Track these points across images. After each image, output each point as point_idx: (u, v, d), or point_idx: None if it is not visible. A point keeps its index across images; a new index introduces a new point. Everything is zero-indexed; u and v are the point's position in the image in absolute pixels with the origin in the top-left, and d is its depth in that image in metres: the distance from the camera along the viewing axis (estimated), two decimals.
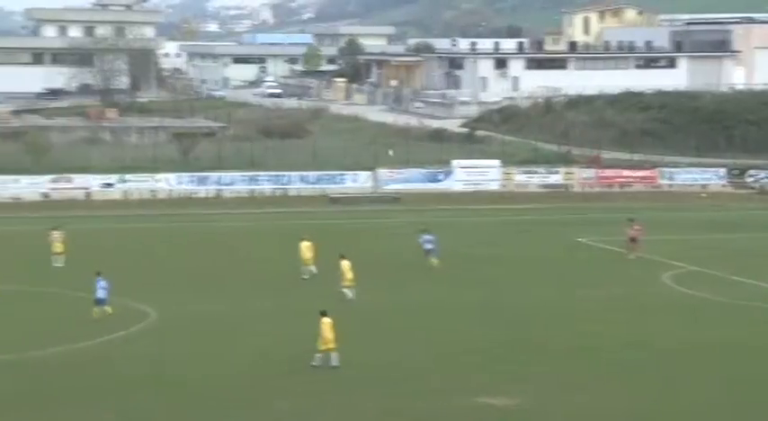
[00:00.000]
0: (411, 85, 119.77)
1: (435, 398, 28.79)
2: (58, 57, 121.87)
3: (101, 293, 36.44)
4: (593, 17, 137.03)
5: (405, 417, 27.69)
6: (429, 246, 45.90)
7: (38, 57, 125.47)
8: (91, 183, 66.98)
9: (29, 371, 31.20)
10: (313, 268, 43.06)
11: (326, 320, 31.19)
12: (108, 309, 36.54)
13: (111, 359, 32.35)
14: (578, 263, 48.68)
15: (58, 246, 45.66)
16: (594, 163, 76.14)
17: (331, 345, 30.96)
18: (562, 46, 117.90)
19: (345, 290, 39.17)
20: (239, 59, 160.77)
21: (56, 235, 46.12)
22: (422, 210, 63.99)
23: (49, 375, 30.80)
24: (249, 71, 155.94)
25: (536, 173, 73.79)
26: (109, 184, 67.15)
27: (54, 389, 29.54)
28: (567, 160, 77.60)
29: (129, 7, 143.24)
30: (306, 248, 43.34)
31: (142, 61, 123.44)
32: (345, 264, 39.43)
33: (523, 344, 34.29)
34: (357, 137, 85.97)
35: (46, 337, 34.50)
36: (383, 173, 71.01)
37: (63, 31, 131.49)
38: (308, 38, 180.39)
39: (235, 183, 68.86)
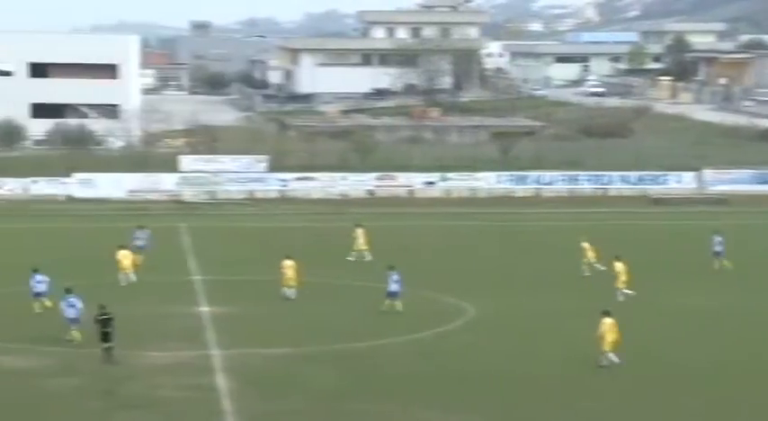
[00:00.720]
0: (741, 83, 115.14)
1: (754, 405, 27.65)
2: (386, 57, 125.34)
3: (393, 286, 37.42)
4: None
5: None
6: (718, 249, 45.05)
7: (366, 58, 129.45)
8: (413, 182, 68.40)
9: (345, 362, 32.15)
10: (591, 268, 43.35)
11: (607, 320, 31.02)
12: (398, 303, 37.29)
13: (431, 353, 33.00)
14: None
15: (359, 243, 47.18)
16: None
17: (608, 347, 30.65)
18: None
19: (626, 290, 39.06)
20: (562, 58, 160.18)
21: (359, 232, 47.56)
22: (750, 212, 61.26)
23: (366, 368, 31.63)
24: (571, 70, 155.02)
25: None
26: (431, 183, 68.33)
27: (372, 382, 30.30)
28: None
29: (454, 8, 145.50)
30: (587, 249, 43.92)
31: (465, 61, 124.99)
32: (619, 265, 39.44)
33: None
34: (682, 136, 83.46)
35: (360, 330, 35.47)
36: (709, 173, 68.51)
37: (391, 32, 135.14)
38: (632, 36, 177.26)
39: (554, 182, 68.40)
